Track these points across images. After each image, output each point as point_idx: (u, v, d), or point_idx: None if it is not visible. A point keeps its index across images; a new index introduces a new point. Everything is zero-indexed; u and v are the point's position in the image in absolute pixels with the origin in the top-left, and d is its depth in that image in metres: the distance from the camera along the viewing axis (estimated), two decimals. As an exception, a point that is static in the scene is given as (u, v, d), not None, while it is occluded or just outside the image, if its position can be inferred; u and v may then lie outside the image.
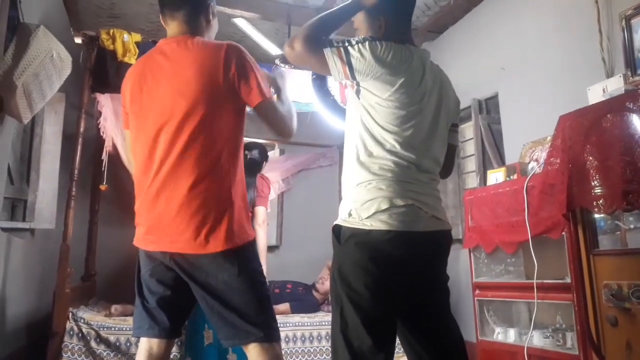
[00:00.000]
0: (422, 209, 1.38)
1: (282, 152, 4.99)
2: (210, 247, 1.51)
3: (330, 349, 3.18)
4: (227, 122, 1.58)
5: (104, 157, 3.62)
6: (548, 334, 2.49)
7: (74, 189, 3.02)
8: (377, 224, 1.34)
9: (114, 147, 3.53)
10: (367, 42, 1.35)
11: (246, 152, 3.34)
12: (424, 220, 1.38)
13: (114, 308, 3.20)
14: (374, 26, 1.48)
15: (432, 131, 1.46)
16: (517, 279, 2.71)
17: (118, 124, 3.47)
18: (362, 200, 1.37)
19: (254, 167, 3.37)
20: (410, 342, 1.45)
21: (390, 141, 1.39)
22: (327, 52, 1.36)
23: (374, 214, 1.34)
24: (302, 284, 4.03)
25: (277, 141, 4.86)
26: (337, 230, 1.40)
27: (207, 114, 1.54)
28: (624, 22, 2.57)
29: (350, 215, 1.38)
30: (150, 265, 1.64)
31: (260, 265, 1.65)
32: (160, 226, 1.54)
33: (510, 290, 2.72)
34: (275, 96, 1.71)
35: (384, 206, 1.35)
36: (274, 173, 4.69)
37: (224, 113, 1.57)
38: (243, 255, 1.58)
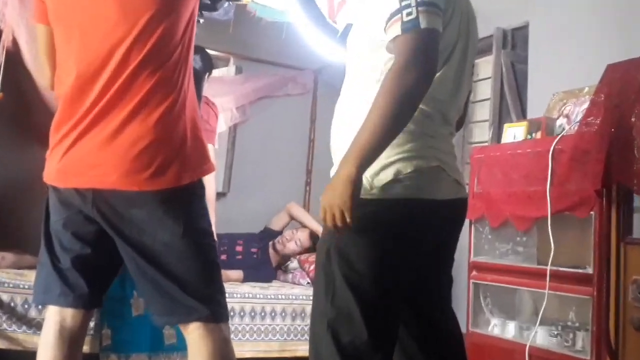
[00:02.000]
0: (445, 171, 1.45)
1: (238, 70, 4.84)
2: (161, 181, 1.53)
3: (288, 329, 3.32)
4: (183, 28, 1.61)
5: (0, 55, 3.44)
6: (556, 332, 2.59)
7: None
8: (391, 192, 1.38)
9: (15, 42, 3.35)
10: None
11: None
12: (445, 185, 1.46)
13: (1, 256, 3.11)
14: None
15: (461, 72, 1.52)
16: (526, 263, 2.78)
17: (23, 12, 3.28)
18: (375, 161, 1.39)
19: (195, 80, 3.24)
20: (401, 338, 1.49)
21: None
22: None
23: (391, 181, 1.38)
24: (253, 236, 4.05)
25: (233, 54, 4.74)
26: None
27: (169, 16, 1.56)
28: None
29: None
30: (64, 214, 1.63)
31: (210, 225, 1.68)
32: (88, 156, 1.54)
33: (515, 275, 2.79)
34: None
35: (405, 170, 1.38)
36: (225, 98, 4.57)
37: (185, 8, 1.60)
38: (191, 208, 1.61)
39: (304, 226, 4.13)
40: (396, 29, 1.35)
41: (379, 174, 1.38)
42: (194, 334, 1.56)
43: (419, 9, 1.33)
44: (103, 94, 1.54)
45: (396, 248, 1.39)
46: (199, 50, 3.47)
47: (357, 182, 1.29)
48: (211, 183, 3.19)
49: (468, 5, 1.58)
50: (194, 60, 3.36)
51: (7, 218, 3.88)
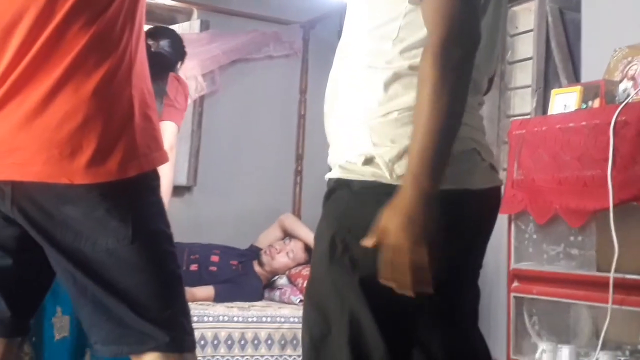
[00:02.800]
0: (480, 155, 1.45)
1: (204, 25, 4.86)
2: (99, 171, 1.50)
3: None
4: None
5: None
6: (623, 358, 2.59)
7: None
8: None
9: None
10: None
11: (150, 41, 3.33)
12: (480, 171, 1.46)
13: None
14: None
15: (496, 24, 1.53)
16: (583, 269, 2.77)
17: None
18: (396, 142, 1.38)
19: (162, 66, 3.35)
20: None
21: None
22: None
23: None
24: (234, 250, 4.07)
25: (196, 5, 4.76)
26: (342, 185, 1.43)
27: None
28: None
29: (371, 162, 1.39)
30: None
31: (168, 226, 1.67)
32: (4, 139, 1.52)
33: (569, 286, 2.79)
34: None
35: None
36: (188, 63, 4.56)
37: None
38: (142, 204, 1.60)
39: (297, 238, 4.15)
40: None
41: (403, 157, 1.35)
42: None
43: None
44: (20, 57, 1.50)
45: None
46: (168, 33, 3.60)
47: (435, 196, 1.27)
48: (166, 174, 3.21)
49: None
50: (161, 45, 3.45)
51: None
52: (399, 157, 1.36)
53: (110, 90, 1.54)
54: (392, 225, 1.27)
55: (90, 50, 1.52)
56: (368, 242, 1.30)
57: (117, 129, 1.54)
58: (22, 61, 1.50)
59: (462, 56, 1.29)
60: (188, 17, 4.87)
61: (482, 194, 1.45)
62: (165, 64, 3.39)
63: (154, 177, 1.65)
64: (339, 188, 1.44)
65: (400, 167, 1.36)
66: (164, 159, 1.66)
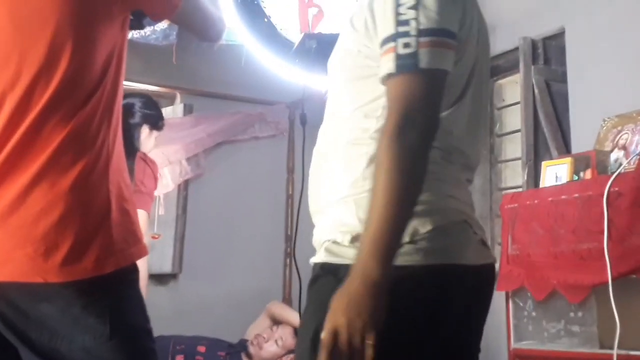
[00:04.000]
0: (472, 228, 1.46)
1: (188, 109, 4.90)
2: (75, 269, 1.50)
3: None
4: (107, 50, 1.63)
5: None
6: None
7: None
8: (406, 258, 1.35)
9: None
10: None
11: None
12: (473, 246, 1.46)
13: None
14: None
15: (479, 98, 1.55)
16: (586, 347, 2.73)
17: None
18: None
19: (125, 134, 3.27)
20: None
21: None
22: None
23: (405, 243, 1.35)
24: (223, 342, 4.03)
25: (180, 90, 4.79)
26: (328, 271, 1.42)
27: (78, 53, 1.56)
28: None
29: (357, 239, 1.37)
30: None
31: (147, 321, 1.67)
32: None
33: (573, 365, 2.74)
34: None
35: (424, 228, 1.37)
36: (172, 147, 4.62)
37: (103, 37, 1.61)
38: (121, 299, 1.59)
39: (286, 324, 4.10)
40: (388, 64, 1.35)
41: None
42: None
43: (421, 40, 1.34)
44: None
45: (409, 332, 1.36)
46: (140, 95, 3.52)
47: (383, 291, 1.26)
48: (142, 262, 3.15)
49: (478, 7, 1.60)
50: (132, 111, 3.44)
51: None
52: None
53: (87, 187, 1.55)
54: (335, 308, 1.28)
55: (67, 146, 1.54)
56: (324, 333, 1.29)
57: (94, 226, 1.55)
58: (15, 131, 1.52)
59: (417, 139, 1.30)
60: (171, 101, 4.91)
61: (475, 270, 1.45)
62: (127, 126, 3.25)
63: (132, 271, 1.65)
64: (324, 275, 1.43)
65: None
66: (142, 252, 1.66)
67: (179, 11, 1.74)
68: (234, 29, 3.64)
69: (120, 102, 1.70)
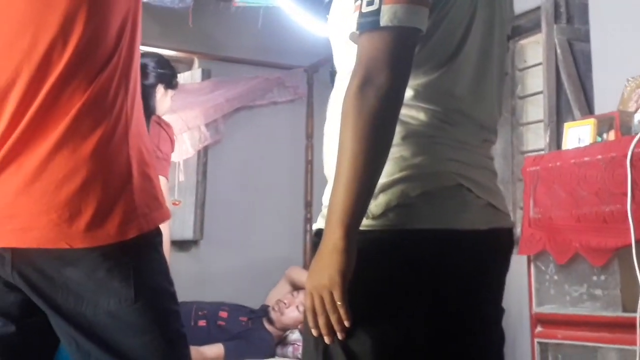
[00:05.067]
0: (472, 192, 1.42)
1: (205, 74, 4.91)
2: (99, 235, 1.51)
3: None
4: (119, 25, 1.60)
5: None
6: (656, 404, 2.54)
7: None
8: (395, 221, 1.35)
9: None
10: None
11: None
12: (475, 210, 1.42)
13: None
14: None
15: (486, 53, 1.50)
16: (609, 310, 2.73)
17: None
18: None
19: (145, 97, 3.28)
20: None
21: (422, 78, 1.41)
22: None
23: (394, 207, 1.35)
24: (244, 308, 4.07)
25: (197, 54, 4.79)
26: (320, 236, 1.39)
27: (93, 18, 1.54)
28: None
29: None
30: None
31: (171, 283, 1.67)
32: (2, 205, 1.53)
33: (595, 329, 2.75)
34: None
35: (414, 192, 1.36)
36: (190, 112, 4.65)
37: (115, 8, 1.59)
38: (144, 262, 1.60)
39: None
40: (353, 23, 1.34)
41: (378, 196, 1.35)
42: None
43: None
44: (16, 121, 1.52)
45: (402, 299, 1.36)
46: (153, 56, 3.51)
47: (347, 251, 1.28)
48: (165, 227, 3.17)
49: None
50: (146, 71, 3.44)
51: None
52: (375, 196, 1.35)
53: (108, 152, 1.55)
54: (308, 273, 1.34)
55: (86, 112, 1.54)
56: None
57: (116, 191, 1.55)
58: (18, 125, 1.52)
59: (376, 101, 1.28)
60: (189, 66, 4.91)
61: (477, 234, 1.42)
62: (143, 92, 3.28)
63: (156, 234, 1.65)
64: (318, 241, 1.41)
65: (378, 206, 1.35)
66: (165, 216, 1.67)
67: None
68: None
69: (137, 66, 1.69)
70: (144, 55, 3.45)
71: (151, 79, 3.40)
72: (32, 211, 1.51)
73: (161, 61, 3.52)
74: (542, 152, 3.55)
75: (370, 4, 1.32)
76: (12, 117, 1.52)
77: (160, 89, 3.43)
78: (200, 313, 3.86)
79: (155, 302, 1.59)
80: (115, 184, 1.55)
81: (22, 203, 1.51)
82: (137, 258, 1.58)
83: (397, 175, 1.37)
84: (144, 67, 3.35)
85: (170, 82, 3.52)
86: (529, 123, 4.01)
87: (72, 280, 1.54)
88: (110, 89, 1.58)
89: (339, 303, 1.29)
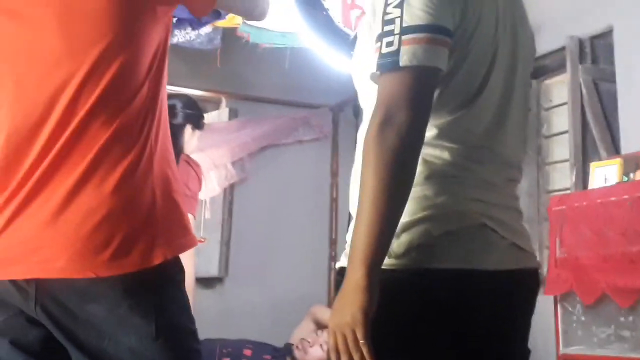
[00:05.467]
0: (497, 232, 1.42)
1: (232, 113, 4.96)
2: (124, 263, 1.51)
3: None
4: (149, 62, 1.63)
5: None
6: None
7: None
8: (418, 260, 1.36)
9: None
10: None
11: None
12: (499, 250, 1.43)
13: None
14: None
15: (509, 96, 1.50)
16: (636, 352, 2.71)
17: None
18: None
19: (173, 137, 3.33)
20: None
21: (446, 117, 1.42)
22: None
23: (417, 246, 1.36)
24: (268, 346, 4.05)
25: (225, 94, 4.83)
26: (344, 275, 1.40)
27: (129, 47, 1.58)
28: None
29: None
30: (0, 317, 1.62)
31: (193, 322, 1.66)
32: (28, 238, 1.54)
33: (623, 371, 2.73)
34: None
35: (437, 231, 1.37)
36: (217, 151, 4.68)
37: (149, 38, 1.63)
38: (166, 299, 1.59)
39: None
40: (374, 64, 1.37)
41: (400, 235, 1.36)
42: None
43: (403, 38, 1.33)
44: (44, 155, 1.54)
45: (425, 339, 1.36)
46: (181, 97, 3.57)
47: (369, 290, 1.28)
48: (189, 264, 3.18)
49: (513, 3, 1.57)
50: (174, 112, 3.47)
51: None
52: (397, 235, 1.36)
53: (133, 183, 1.57)
54: (331, 311, 1.34)
55: (112, 145, 1.55)
56: None
57: (140, 221, 1.56)
58: (46, 157, 1.54)
59: (396, 140, 1.30)
60: (217, 105, 4.95)
61: (501, 275, 1.42)
62: (175, 132, 3.32)
63: (178, 271, 1.65)
64: (342, 280, 1.42)
65: (400, 246, 1.36)
66: (191, 243, 1.67)
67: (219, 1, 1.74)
68: (283, 32, 3.68)
69: (164, 96, 1.71)
70: (173, 96, 3.52)
71: (179, 119, 3.43)
72: (58, 243, 1.51)
73: (189, 102, 3.57)
74: (568, 192, 3.54)
75: (390, 45, 1.34)
76: (42, 149, 1.54)
77: (188, 129, 3.47)
78: (224, 351, 3.85)
79: (176, 340, 1.58)
80: (140, 214, 1.56)
81: (48, 236, 1.52)
82: (159, 295, 1.58)
83: (420, 215, 1.38)
84: (172, 108, 3.39)
85: (197, 123, 3.57)
86: (555, 162, 3.99)
87: (95, 316, 1.53)
88: (137, 120, 1.60)
89: (361, 342, 1.29)
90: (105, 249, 1.51)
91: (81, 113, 1.54)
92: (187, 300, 1.68)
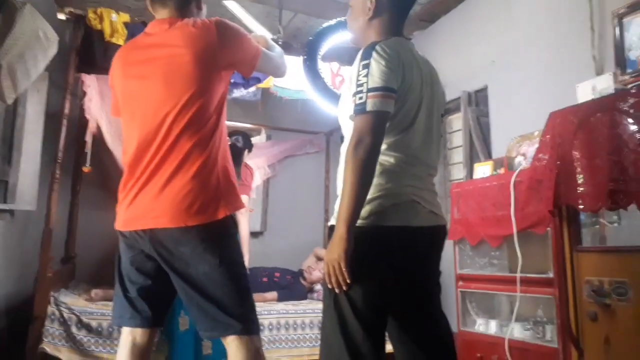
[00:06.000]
0: (421, 204, 1.42)
1: (268, 137, 4.93)
2: (202, 217, 1.50)
3: (316, 337, 3.23)
4: (216, 103, 1.62)
5: (88, 138, 3.54)
6: (528, 327, 2.52)
7: (57, 172, 2.91)
8: (376, 221, 1.36)
9: (98, 128, 3.46)
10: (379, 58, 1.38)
11: (230, 138, 3.38)
12: (422, 214, 1.42)
13: (95, 293, 3.14)
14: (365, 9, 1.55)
15: (429, 122, 1.50)
16: (501, 272, 2.72)
17: (103, 106, 3.39)
18: None
19: (236, 155, 3.36)
20: (402, 340, 1.46)
21: (392, 138, 1.42)
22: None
23: (375, 212, 1.36)
24: (289, 271, 4.02)
25: (264, 126, 4.82)
26: (332, 229, 1.40)
27: (205, 94, 1.56)
28: (616, 20, 2.56)
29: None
30: (130, 254, 1.62)
31: (241, 256, 1.65)
32: (145, 205, 1.54)
33: (493, 283, 2.73)
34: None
35: (386, 204, 1.37)
36: (260, 158, 4.67)
37: (217, 89, 1.61)
38: (225, 244, 1.58)
39: None
40: (351, 110, 1.38)
41: (365, 206, 1.36)
42: (232, 345, 1.52)
43: (369, 94, 1.33)
44: (155, 157, 1.54)
45: (384, 267, 1.36)
46: (241, 133, 3.63)
47: (348, 240, 1.29)
48: (243, 224, 3.21)
49: (431, 72, 1.55)
50: (236, 140, 3.52)
51: (97, 262, 3.93)
52: (364, 206, 1.34)
53: (205, 171, 1.55)
54: (326, 252, 1.34)
55: (193, 150, 1.54)
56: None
57: (211, 193, 1.54)
58: (155, 158, 1.54)
59: (364, 153, 1.30)
60: (259, 133, 4.91)
61: (423, 229, 1.42)
62: (237, 150, 3.33)
63: (234, 226, 1.62)
64: (331, 232, 1.41)
65: (365, 212, 1.35)
66: (240, 206, 1.63)
67: (258, 67, 1.71)
68: (298, 89, 3.66)
69: (224, 123, 1.66)
70: (236, 132, 3.61)
71: (241, 145, 3.52)
72: (162, 207, 1.51)
73: (245, 137, 3.65)
74: (462, 180, 3.54)
75: (360, 98, 1.34)
76: (153, 153, 1.54)
77: (245, 152, 3.53)
78: (263, 273, 3.85)
79: (231, 267, 1.57)
80: (210, 189, 1.54)
81: (157, 203, 1.52)
82: (222, 241, 1.57)
83: (376, 194, 1.38)
84: (236, 140, 3.50)
85: (250, 148, 3.67)
86: (454, 164, 3.99)
87: (184, 253, 1.53)
88: (208, 135, 1.58)
89: (343, 269, 1.30)
90: (190, 209, 1.50)
91: (175, 132, 1.54)
92: (239, 243, 1.66)
